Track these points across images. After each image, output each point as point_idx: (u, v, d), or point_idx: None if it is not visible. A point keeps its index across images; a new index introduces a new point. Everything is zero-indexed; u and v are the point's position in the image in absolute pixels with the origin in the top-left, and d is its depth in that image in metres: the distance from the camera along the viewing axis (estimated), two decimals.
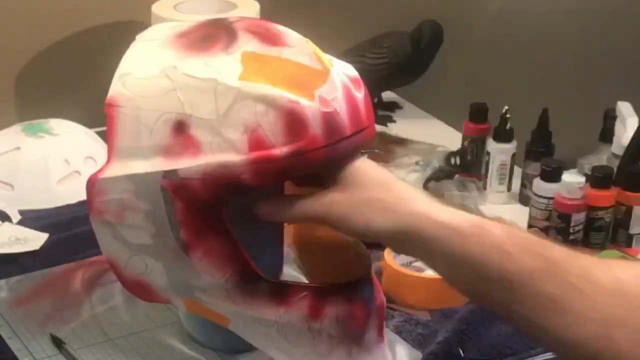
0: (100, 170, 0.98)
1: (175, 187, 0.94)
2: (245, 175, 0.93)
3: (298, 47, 0.97)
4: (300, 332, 1.00)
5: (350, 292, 1.01)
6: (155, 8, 1.59)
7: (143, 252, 0.99)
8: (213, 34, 0.98)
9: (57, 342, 1.12)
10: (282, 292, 0.99)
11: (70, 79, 1.72)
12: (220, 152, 0.93)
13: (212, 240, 0.96)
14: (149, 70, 0.97)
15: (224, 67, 0.94)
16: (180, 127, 0.94)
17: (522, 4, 2.11)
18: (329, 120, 0.93)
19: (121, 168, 0.96)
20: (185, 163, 0.93)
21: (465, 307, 1.20)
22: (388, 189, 0.93)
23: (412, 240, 0.90)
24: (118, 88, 0.97)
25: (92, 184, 0.98)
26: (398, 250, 1.00)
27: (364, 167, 0.95)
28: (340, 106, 0.94)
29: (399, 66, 1.75)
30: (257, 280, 0.98)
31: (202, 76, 0.94)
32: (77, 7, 1.70)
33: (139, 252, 1.00)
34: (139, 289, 1.03)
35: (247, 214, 0.97)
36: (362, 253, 1.08)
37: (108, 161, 0.97)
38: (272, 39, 0.97)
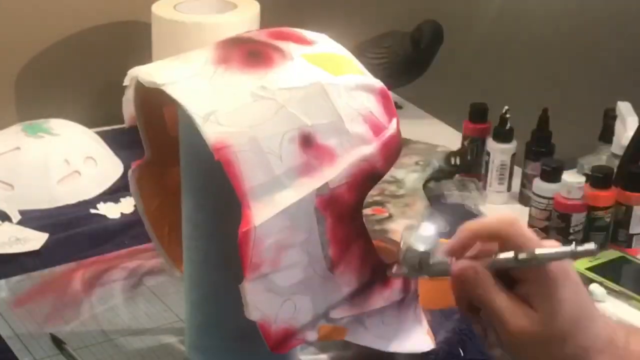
0: (245, 221, 0.87)
1: (325, 202, 0.90)
2: (379, 163, 0.93)
3: (324, 40, 0.99)
4: (392, 309, 0.99)
5: None
6: (155, 8, 1.59)
7: (294, 293, 0.91)
8: (251, 50, 0.93)
9: (58, 342, 1.12)
10: (385, 273, 0.96)
11: (70, 79, 1.72)
12: (353, 148, 0.91)
13: (353, 246, 0.92)
14: (237, 99, 0.90)
15: (308, 70, 0.92)
16: (307, 141, 0.90)
17: (522, 4, 2.11)
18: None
19: (268, 208, 0.88)
20: (330, 173, 0.90)
21: None
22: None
23: None
24: (216, 129, 0.87)
25: (247, 237, 0.87)
26: None
27: (574, 295, 0.85)
28: None
29: (399, 66, 1.75)
30: (380, 269, 0.95)
31: (304, 84, 0.91)
32: (77, 7, 1.70)
33: (290, 295, 0.91)
34: (283, 340, 0.92)
35: None
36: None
37: (245, 208, 0.87)
38: (303, 40, 0.97)
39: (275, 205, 0.88)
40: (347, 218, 0.92)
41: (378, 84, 0.97)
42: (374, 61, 1.74)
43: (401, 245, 0.89)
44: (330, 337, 0.96)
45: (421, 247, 0.88)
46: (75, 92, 1.72)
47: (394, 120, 0.97)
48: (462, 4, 2.04)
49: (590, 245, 0.82)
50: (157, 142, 1.09)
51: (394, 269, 0.93)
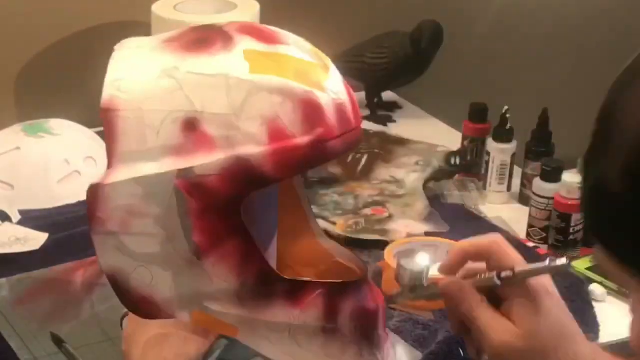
0: (102, 178, 0.93)
1: (190, 186, 0.91)
2: (266, 167, 0.91)
3: (296, 44, 0.98)
4: (313, 334, 0.98)
5: (360, 289, 1.00)
6: (155, 8, 1.59)
7: (149, 262, 0.94)
8: (206, 37, 0.96)
9: (58, 341, 1.12)
10: (298, 290, 0.96)
11: (70, 79, 1.72)
12: (239, 145, 0.91)
13: (229, 242, 0.93)
14: (146, 73, 0.94)
15: (229, 63, 0.93)
16: (191, 125, 0.91)
17: (522, 4, 2.11)
18: (341, 111, 0.95)
19: (127, 172, 0.92)
20: (201, 160, 0.91)
21: None
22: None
23: None
24: (113, 92, 0.94)
25: (95, 192, 0.93)
26: None
27: (555, 311, 0.88)
28: (345, 98, 0.96)
29: (399, 66, 1.75)
30: (274, 281, 0.96)
31: (211, 72, 0.93)
32: (77, 7, 1.70)
33: (144, 263, 0.94)
34: (142, 305, 0.96)
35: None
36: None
37: (110, 167, 0.93)
38: (268, 38, 0.97)
39: (134, 172, 0.92)
40: (220, 211, 0.93)
41: (307, 94, 0.94)
42: (374, 61, 1.74)
43: (397, 269, 0.95)
44: (209, 327, 0.98)
45: (416, 268, 0.94)
46: (75, 92, 1.72)
47: (315, 134, 0.93)
48: (462, 4, 2.04)
49: (562, 260, 0.88)
50: None
51: (393, 292, 0.97)
